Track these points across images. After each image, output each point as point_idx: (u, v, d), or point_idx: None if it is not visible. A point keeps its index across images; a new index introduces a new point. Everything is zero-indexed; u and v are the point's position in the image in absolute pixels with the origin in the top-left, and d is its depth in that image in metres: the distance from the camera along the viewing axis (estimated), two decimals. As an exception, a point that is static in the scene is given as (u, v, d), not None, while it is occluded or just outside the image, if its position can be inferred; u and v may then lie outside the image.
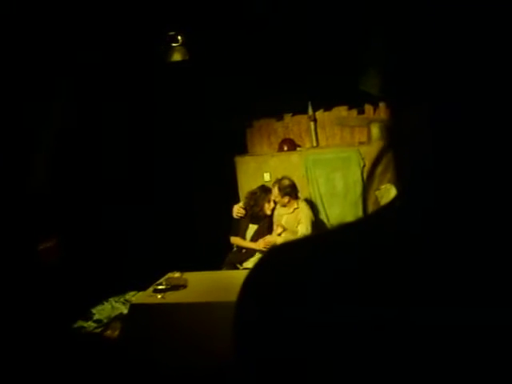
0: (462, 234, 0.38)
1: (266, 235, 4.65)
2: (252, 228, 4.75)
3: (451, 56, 0.36)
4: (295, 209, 4.64)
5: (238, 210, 4.75)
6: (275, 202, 4.72)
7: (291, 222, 4.61)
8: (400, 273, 0.40)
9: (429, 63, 0.38)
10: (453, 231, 0.39)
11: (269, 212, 4.70)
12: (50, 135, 3.96)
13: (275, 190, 4.63)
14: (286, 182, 4.66)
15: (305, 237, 0.51)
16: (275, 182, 4.71)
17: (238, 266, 4.72)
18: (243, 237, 4.75)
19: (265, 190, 4.71)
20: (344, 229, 0.48)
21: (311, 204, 5.10)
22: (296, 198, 4.71)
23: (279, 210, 4.73)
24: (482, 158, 0.36)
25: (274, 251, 0.49)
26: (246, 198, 4.78)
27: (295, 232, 4.55)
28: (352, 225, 0.48)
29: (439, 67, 0.37)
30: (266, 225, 4.73)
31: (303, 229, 4.53)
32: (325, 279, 0.42)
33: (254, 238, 4.69)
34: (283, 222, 4.65)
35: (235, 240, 4.80)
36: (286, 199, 4.62)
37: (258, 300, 0.46)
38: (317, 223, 5.00)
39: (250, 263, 4.63)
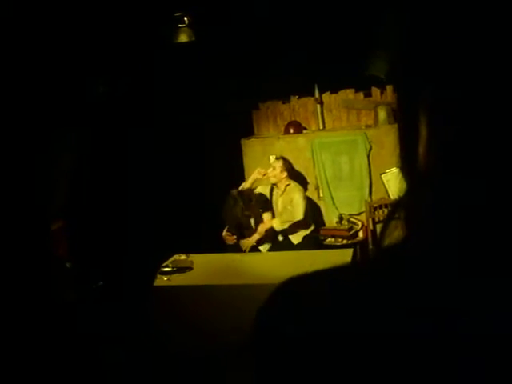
0: None
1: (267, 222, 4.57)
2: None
3: (462, 39, 0.36)
4: (287, 186, 4.57)
5: (228, 238, 4.61)
6: (272, 188, 4.68)
7: (286, 202, 4.56)
8: None
9: (440, 46, 0.37)
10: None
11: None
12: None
13: (276, 170, 4.55)
14: (285, 161, 4.64)
15: (319, 270, 0.51)
16: (276, 162, 4.64)
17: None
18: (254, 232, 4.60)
19: (234, 198, 4.48)
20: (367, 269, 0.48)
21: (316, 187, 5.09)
22: (291, 176, 4.66)
23: (274, 196, 4.69)
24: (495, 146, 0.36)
25: (291, 281, 0.50)
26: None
27: (289, 211, 4.49)
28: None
29: (449, 50, 0.37)
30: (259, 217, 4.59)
31: (296, 207, 4.44)
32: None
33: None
34: (279, 206, 4.60)
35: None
36: (284, 174, 4.55)
37: (278, 316, 0.47)
38: (321, 206, 4.97)
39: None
